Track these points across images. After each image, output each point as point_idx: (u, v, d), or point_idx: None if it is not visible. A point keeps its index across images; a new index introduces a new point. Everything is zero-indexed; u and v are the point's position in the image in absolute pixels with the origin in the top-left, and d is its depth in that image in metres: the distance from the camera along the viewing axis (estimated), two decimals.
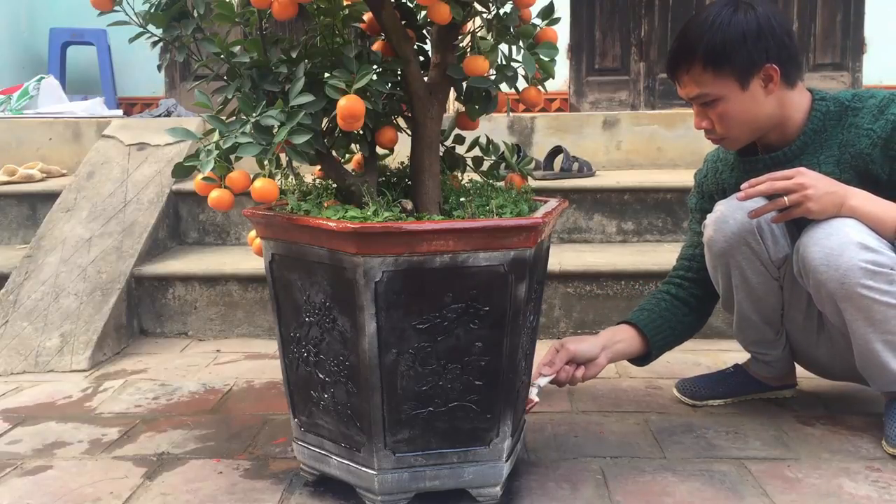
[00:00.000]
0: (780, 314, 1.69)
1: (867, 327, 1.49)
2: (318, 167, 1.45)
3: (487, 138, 1.59)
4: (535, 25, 1.43)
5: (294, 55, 1.35)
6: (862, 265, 1.43)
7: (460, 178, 1.60)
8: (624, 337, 1.72)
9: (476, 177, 1.60)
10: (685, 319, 1.76)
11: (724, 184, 1.73)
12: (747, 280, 1.62)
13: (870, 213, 1.46)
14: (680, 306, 1.76)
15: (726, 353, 2.12)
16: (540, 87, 1.48)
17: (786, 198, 1.46)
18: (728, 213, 1.58)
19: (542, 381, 1.58)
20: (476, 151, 1.59)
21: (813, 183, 1.46)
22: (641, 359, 1.77)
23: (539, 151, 3.32)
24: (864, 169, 1.54)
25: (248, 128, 1.23)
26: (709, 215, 1.63)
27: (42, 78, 4.16)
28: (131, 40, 1.38)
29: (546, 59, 1.41)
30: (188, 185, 2.81)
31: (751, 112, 1.55)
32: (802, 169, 1.49)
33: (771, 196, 1.49)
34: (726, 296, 1.71)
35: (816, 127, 1.58)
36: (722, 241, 1.59)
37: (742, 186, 1.50)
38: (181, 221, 2.89)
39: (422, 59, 1.47)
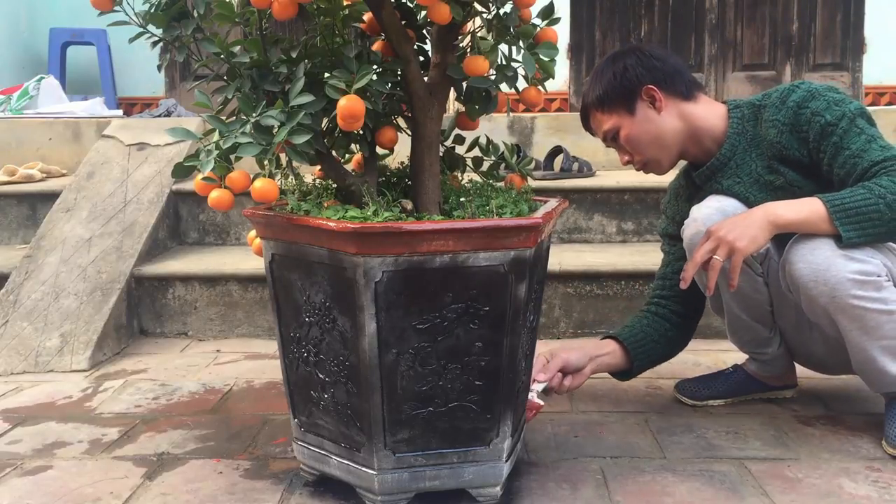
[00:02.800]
0: (770, 311, 1.70)
1: (862, 335, 1.49)
2: (318, 167, 1.45)
3: (487, 138, 1.59)
4: (535, 25, 1.43)
5: (294, 55, 1.35)
6: (850, 276, 1.44)
7: (460, 178, 1.60)
8: (609, 350, 1.78)
9: (476, 177, 1.60)
10: (668, 335, 1.80)
11: (686, 204, 1.78)
12: None
13: (796, 214, 1.47)
14: (662, 322, 1.80)
15: (726, 353, 2.12)
16: (540, 87, 1.48)
17: (715, 256, 1.48)
18: (703, 218, 1.60)
19: (539, 387, 1.60)
20: (476, 151, 1.59)
21: (724, 228, 1.48)
22: (625, 373, 1.82)
23: (539, 151, 3.32)
24: (783, 156, 1.59)
25: (248, 128, 1.23)
26: (686, 221, 1.66)
27: (42, 78, 4.16)
28: (131, 40, 1.37)
29: (546, 59, 1.41)
30: (188, 185, 2.81)
31: (651, 131, 1.66)
32: (709, 228, 1.51)
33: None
34: (714, 300, 1.73)
35: (737, 130, 1.66)
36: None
37: (681, 277, 1.54)
38: (181, 221, 2.89)
39: (422, 59, 1.47)
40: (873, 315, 1.46)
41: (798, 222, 1.47)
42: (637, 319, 1.82)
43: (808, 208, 1.47)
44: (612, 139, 1.70)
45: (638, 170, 1.74)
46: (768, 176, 1.61)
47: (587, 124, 1.75)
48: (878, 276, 1.46)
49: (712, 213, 1.59)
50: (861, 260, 1.45)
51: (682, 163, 1.78)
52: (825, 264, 1.45)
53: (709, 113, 1.68)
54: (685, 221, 1.66)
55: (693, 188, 1.77)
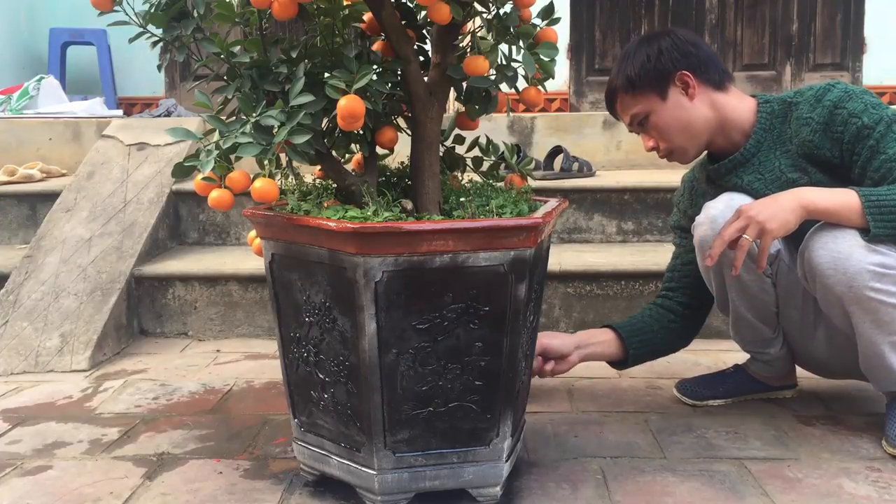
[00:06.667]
0: (775, 312, 1.69)
1: (874, 329, 1.49)
2: (318, 167, 1.45)
3: (487, 138, 1.59)
4: (535, 25, 1.43)
5: (294, 55, 1.35)
6: (870, 268, 1.43)
7: (460, 178, 1.60)
8: (602, 339, 1.77)
9: (476, 177, 1.60)
10: (671, 325, 1.79)
11: (700, 199, 1.76)
12: (740, 278, 1.63)
13: (828, 202, 1.46)
14: (665, 313, 1.79)
15: (726, 353, 2.12)
16: (540, 87, 1.48)
17: (744, 235, 1.47)
18: (716, 215, 1.59)
19: None
20: (476, 151, 1.59)
21: (756, 208, 1.47)
22: (621, 362, 1.81)
23: (539, 151, 3.32)
24: (812, 155, 1.57)
25: (248, 128, 1.23)
26: (697, 217, 1.65)
27: (42, 78, 4.16)
28: (131, 40, 1.37)
29: (546, 59, 1.41)
30: (188, 185, 2.81)
31: (681, 118, 1.63)
32: (740, 206, 1.50)
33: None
34: (721, 297, 1.72)
35: (765, 126, 1.64)
36: (712, 241, 1.60)
37: (705, 259, 1.53)
38: (181, 221, 2.89)
39: (422, 59, 1.47)
40: (888, 309, 1.46)
41: (830, 211, 1.46)
42: (641, 311, 1.82)
43: (841, 198, 1.46)
44: (638, 124, 1.67)
45: (662, 157, 1.70)
46: (792, 174, 1.60)
47: (612, 107, 1.71)
48: None
49: (725, 212, 1.57)
50: (883, 253, 1.44)
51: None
52: (846, 252, 1.44)
53: (739, 105, 1.65)
54: (696, 220, 1.64)
55: (708, 182, 1.75)
